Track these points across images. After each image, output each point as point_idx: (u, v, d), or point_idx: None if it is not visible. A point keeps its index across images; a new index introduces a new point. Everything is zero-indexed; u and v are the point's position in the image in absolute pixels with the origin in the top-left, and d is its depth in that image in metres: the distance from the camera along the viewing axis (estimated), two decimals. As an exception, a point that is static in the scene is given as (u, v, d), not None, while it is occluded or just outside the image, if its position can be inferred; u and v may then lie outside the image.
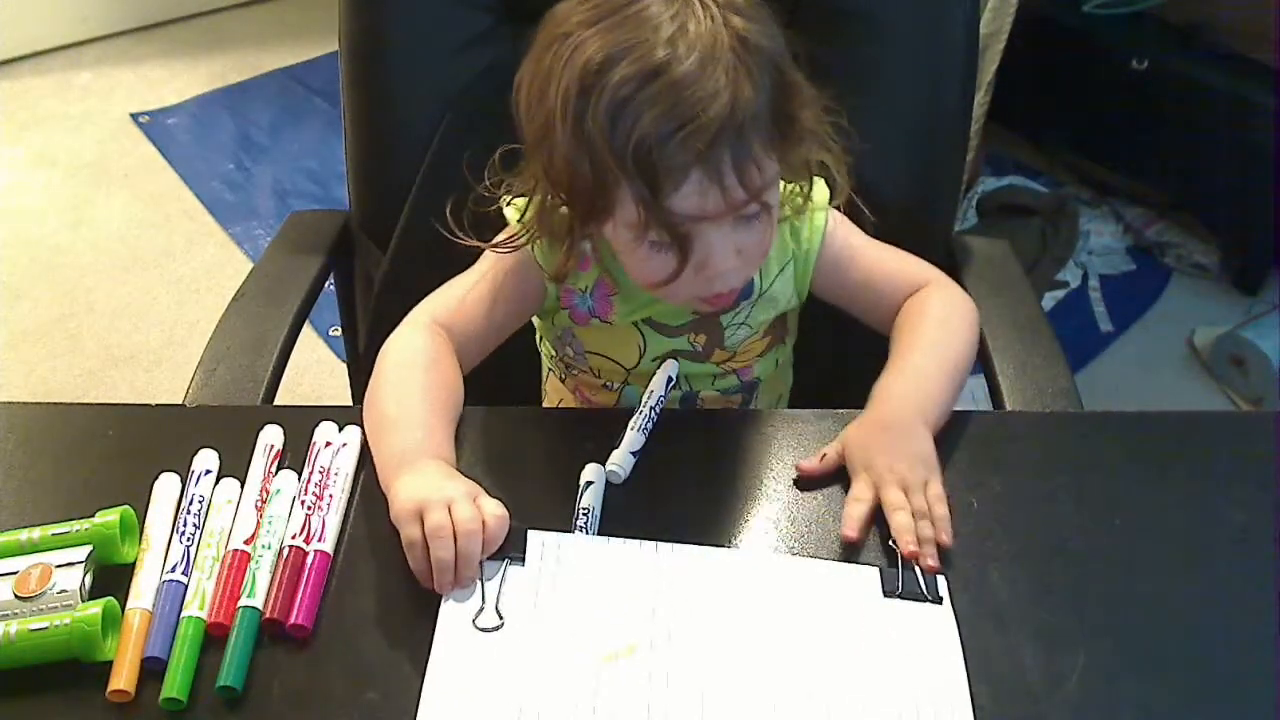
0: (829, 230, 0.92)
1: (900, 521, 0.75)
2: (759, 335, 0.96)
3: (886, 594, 0.72)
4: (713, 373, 0.96)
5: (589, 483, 0.78)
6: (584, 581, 0.73)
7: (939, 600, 0.72)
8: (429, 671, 0.67)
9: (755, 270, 0.88)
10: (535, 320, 1.00)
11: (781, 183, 0.85)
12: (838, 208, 0.92)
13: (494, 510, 0.72)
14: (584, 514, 0.76)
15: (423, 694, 0.66)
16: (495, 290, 0.90)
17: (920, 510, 0.75)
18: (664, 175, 0.73)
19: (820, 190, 0.91)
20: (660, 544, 0.75)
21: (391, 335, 0.87)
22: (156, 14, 3.01)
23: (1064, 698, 0.67)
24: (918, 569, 0.73)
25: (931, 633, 0.70)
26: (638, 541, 0.75)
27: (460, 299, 0.89)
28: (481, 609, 0.70)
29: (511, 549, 0.73)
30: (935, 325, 0.89)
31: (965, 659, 0.69)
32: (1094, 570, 0.75)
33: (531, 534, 0.74)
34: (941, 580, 0.73)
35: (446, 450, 0.78)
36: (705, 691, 0.67)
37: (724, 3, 0.75)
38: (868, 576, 0.73)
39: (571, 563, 0.73)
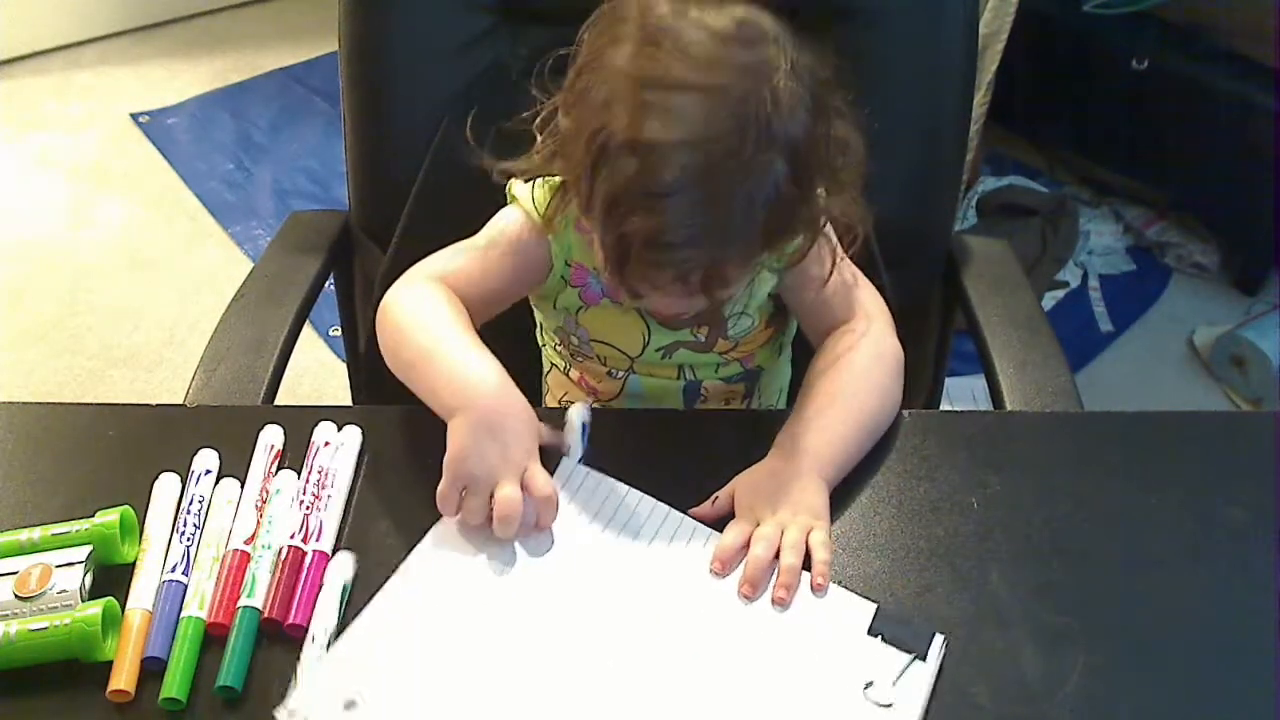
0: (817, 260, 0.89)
1: (755, 553, 0.73)
2: (762, 326, 0.96)
3: (871, 632, 0.70)
4: (716, 362, 0.97)
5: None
6: (591, 524, 0.76)
7: (923, 656, 0.69)
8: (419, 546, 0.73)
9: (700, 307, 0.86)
10: (538, 313, 1.00)
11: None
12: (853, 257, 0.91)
13: (542, 490, 0.74)
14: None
15: (401, 565, 0.72)
16: (497, 255, 0.89)
17: (792, 545, 0.74)
18: (634, 266, 0.75)
19: None
20: (676, 515, 0.77)
21: (392, 290, 0.87)
22: (156, 14, 3.00)
23: (1064, 698, 0.67)
24: (914, 621, 0.71)
25: (898, 685, 0.67)
26: (658, 505, 0.77)
27: (458, 260, 0.89)
28: None
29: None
30: (852, 374, 0.85)
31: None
32: (1094, 570, 0.75)
33: (565, 461, 0.79)
34: (938, 641, 0.69)
35: (493, 367, 0.78)
36: (648, 666, 0.68)
37: (769, 113, 0.72)
38: (860, 609, 0.72)
39: (588, 501, 0.77)
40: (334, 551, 0.75)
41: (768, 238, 0.77)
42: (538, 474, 0.75)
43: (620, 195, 0.72)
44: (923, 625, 0.70)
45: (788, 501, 0.76)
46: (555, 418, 0.81)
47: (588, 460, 0.81)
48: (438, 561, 0.74)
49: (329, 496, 0.77)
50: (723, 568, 0.74)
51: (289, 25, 3.03)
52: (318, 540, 0.74)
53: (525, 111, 0.88)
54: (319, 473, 0.79)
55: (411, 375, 0.81)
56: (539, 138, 0.83)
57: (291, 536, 0.74)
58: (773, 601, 0.72)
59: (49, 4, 2.86)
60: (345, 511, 0.77)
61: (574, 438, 0.81)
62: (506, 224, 0.91)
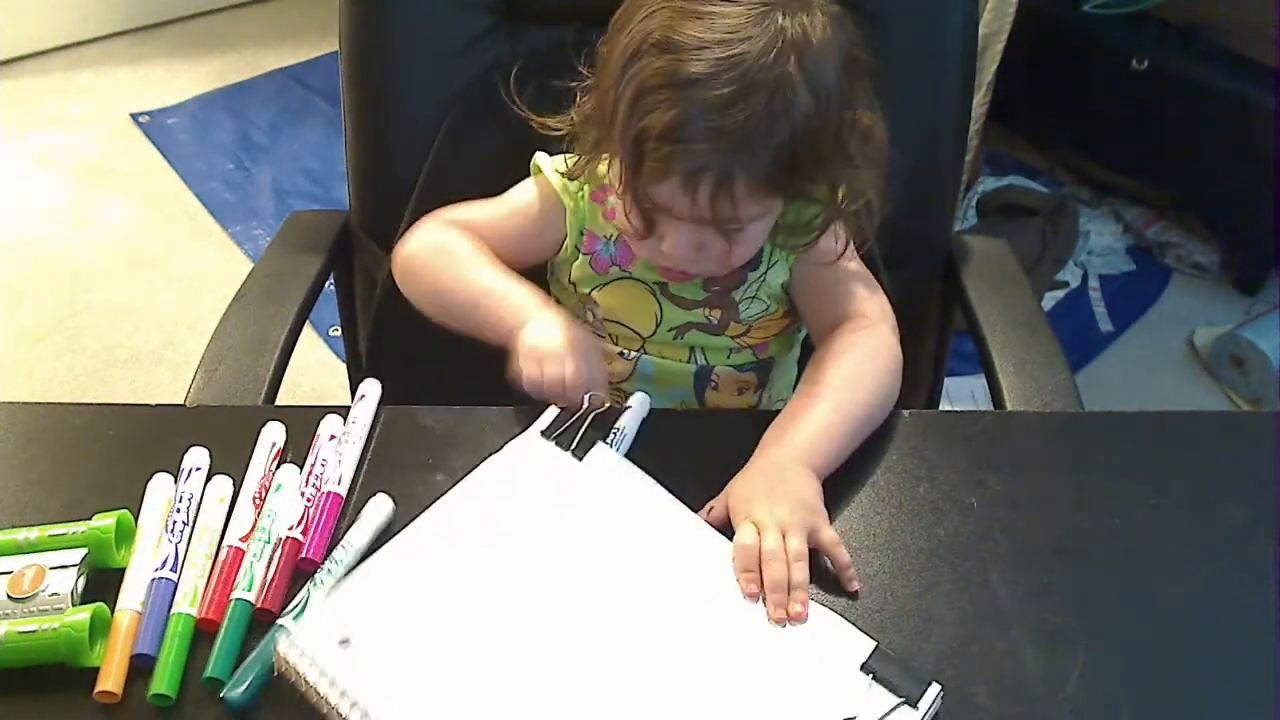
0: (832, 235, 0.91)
1: (772, 576, 0.71)
2: (778, 314, 0.96)
3: (863, 668, 0.68)
4: (728, 347, 0.97)
5: (628, 407, 0.84)
6: (607, 512, 0.76)
7: (913, 704, 0.66)
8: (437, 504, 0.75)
9: (722, 269, 0.90)
10: (554, 291, 1.01)
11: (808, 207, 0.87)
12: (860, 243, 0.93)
13: (599, 375, 0.83)
14: (616, 432, 0.82)
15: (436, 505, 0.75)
16: (517, 215, 0.95)
17: (798, 558, 0.72)
18: (648, 166, 0.78)
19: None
20: (693, 519, 0.77)
21: (413, 235, 0.93)
22: (156, 14, 3.00)
23: (1064, 698, 0.67)
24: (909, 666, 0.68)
25: (883, 718, 0.65)
26: (677, 504, 0.77)
27: (476, 212, 0.95)
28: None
29: (578, 448, 0.80)
30: (845, 370, 0.85)
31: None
32: (1094, 570, 0.75)
33: (600, 444, 0.80)
34: (934, 690, 0.66)
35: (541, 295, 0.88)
36: (631, 666, 0.68)
37: (799, 40, 0.77)
38: (859, 644, 0.69)
39: (610, 487, 0.78)
40: (348, 497, 0.78)
41: (777, 172, 0.78)
42: (598, 363, 0.84)
43: (645, 89, 0.77)
44: (919, 672, 0.67)
45: (783, 497, 0.75)
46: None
47: (628, 453, 0.81)
48: (447, 525, 0.75)
49: (347, 441, 0.81)
50: (751, 581, 0.72)
51: (289, 25, 3.03)
52: (336, 484, 0.77)
53: (530, 116, 0.89)
54: (321, 465, 0.79)
55: (465, 314, 0.89)
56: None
57: (290, 528, 0.74)
58: (789, 617, 0.70)
59: (49, 4, 2.86)
60: (344, 508, 0.77)
61: (631, 418, 0.83)
62: (527, 189, 0.96)
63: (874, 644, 0.69)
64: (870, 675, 0.67)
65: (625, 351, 0.98)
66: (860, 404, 0.83)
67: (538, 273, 0.98)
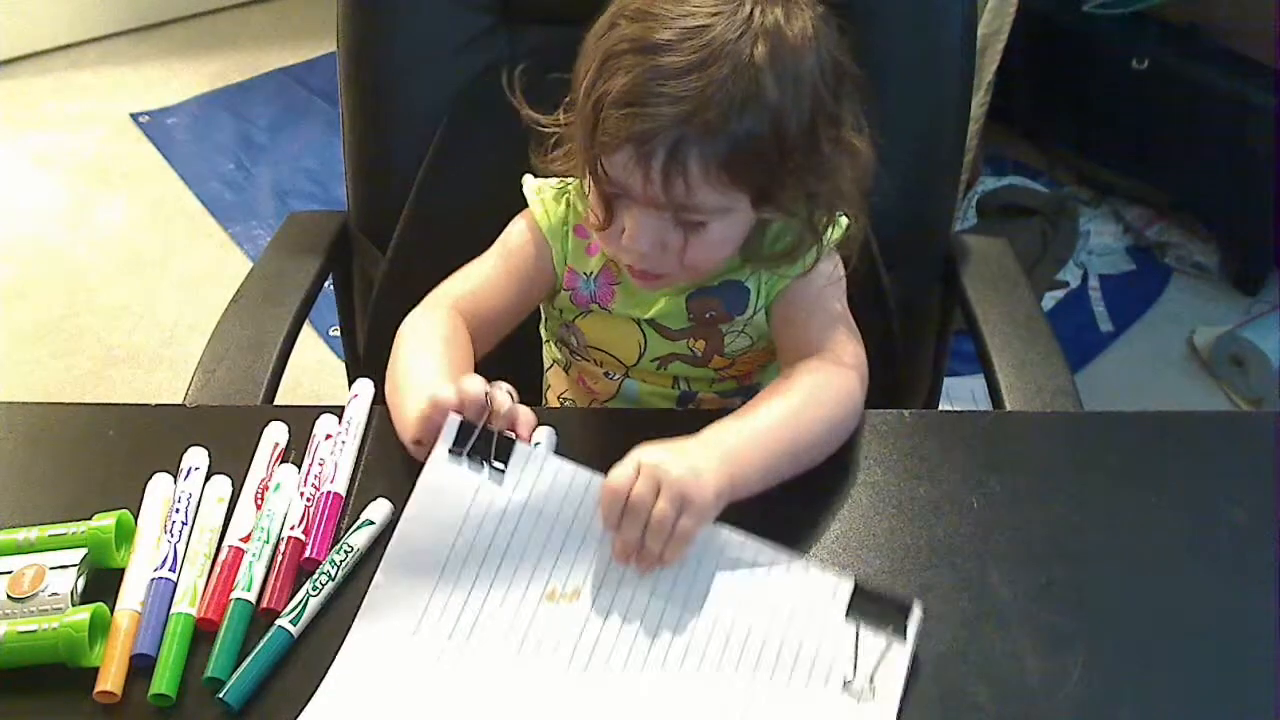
0: (814, 271, 0.88)
1: (627, 532, 0.69)
2: (763, 348, 0.95)
3: (849, 614, 0.69)
4: (711, 377, 0.96)
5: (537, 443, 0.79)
6: (553, 509, 0.74)
7: (902, 636, 0.68)
8: (379, 572, 0.71)
9: (686, 276, 0.86)
10: (547, 311, 1.01)
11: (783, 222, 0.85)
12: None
13: (502, 398, 0.75)
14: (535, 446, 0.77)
15: (365, 601, 0.70)
16: (508, 271, 0.93)
17: (655, 527, 0.68)
18: (603, 133, 0.77)
19: (837, 230, 0.89)
20: None
21: (409, 315, 0.89)
22: (156, 14, 3.01)
23: (1064, 698, 0.67)
24: (891, 598, 0.70)
25: (877, 667, 0.67)
26: None
27: (474, 281, 0.92)
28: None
29: (496, 458, 0.73)
30: (798, 395, 0.80)
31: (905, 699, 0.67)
32: (1094, 570, 0.75)
33: (519, 445, 0.74)
34: (915, 615, 0.69)
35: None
36: (629, 654, 0.68)
37: (771, 29, 0.76)
38: (839, 589, 0.71)
39: (548, 486, 0.74)
40: (346, 496, 0.78)
41: (737, 159, 0.76)
42: (500, 389, 0.75)
43: (611, 54, 0.76)
44: (899, 597, 0.70)
45: (679, 457, 0.70)
46: (555, 417, 0.81)
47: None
48: (410, 581, 0.71)
49: (342, 443, 0.80)
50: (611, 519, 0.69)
51: (289, 25, 3.03)
52: (331, 482, 0.76)
53: (526, 111, 0.88)
54: (320, 464, 0.79)
55: (389, 397, 0.83)
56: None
57: (292, 528, 0.74)
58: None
59: (49, 4, 2.86)
60: (343, 511, 0.77)
61: (543, 448, 0.78)
62: (513, 237, 0.94)
63: (852, 582, 0.70)
64: (858, 621, 0.69)
65: (610, 373, 0.97)
66: (804, 432, 0.79)
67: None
